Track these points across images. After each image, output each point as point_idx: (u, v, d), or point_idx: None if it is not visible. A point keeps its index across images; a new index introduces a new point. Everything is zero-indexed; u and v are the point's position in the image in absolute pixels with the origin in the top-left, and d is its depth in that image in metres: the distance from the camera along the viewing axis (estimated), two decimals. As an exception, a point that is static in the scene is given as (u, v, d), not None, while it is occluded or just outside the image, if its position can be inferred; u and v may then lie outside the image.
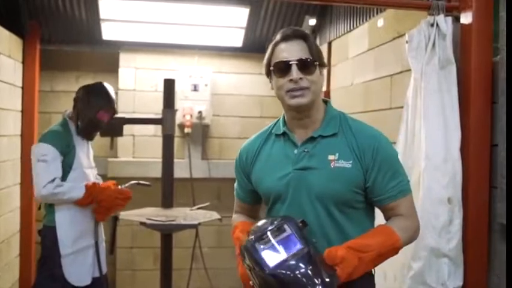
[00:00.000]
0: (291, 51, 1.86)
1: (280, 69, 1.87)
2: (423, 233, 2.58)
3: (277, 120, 2.06)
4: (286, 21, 5.11)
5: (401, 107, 2.99)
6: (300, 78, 1.83)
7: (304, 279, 1.59)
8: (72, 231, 3.31)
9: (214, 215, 4.03)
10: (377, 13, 3.81)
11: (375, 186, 1.86)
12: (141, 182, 3.89)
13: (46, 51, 5.02)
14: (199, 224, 3.78)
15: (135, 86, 5.30)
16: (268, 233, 1.69)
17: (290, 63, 1.84)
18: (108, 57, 5.30)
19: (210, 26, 5.18)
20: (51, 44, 5.11)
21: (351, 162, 1.85)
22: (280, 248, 1.65)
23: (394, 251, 1.83)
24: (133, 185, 3.74)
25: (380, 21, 3.67)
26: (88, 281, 3.37)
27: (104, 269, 3.52)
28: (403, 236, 1.84)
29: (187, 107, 5.13)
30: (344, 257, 1.68)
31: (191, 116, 5.14)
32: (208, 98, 5.24)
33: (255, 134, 2.16)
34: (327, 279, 1.61)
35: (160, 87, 4.62)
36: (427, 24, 2.75)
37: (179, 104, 5.00)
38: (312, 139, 1.90)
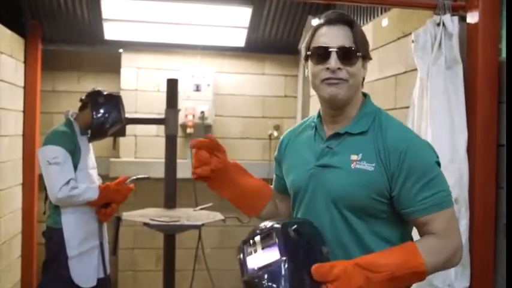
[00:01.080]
0: (332, 37, 1.67)
1: (318, 55, 1.68)
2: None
3: (319, 111, 1.87)
4: (289, 21, 5.09)
5: (406, 107, 2.97)
6: (339, 68, 1.65)
7: None
8: (79, 233, 3.31)
9: (218, 216, 4.01)
10: (381, 13, 3.80)
11: (402, 196, 1.62)
12: (139, 176, 3.89)
13: (48, 51, 5.01)
14: (202, 224, 3.75)
15: (137, 86, 5.28)
16: (257, 238, 1.59)
17: (330, 50, 1.66)
18: (110, 57, 5.28)
19: (212, 26, 5.17)
20: (53, 43, 5.10)
21: (373, 165, 1.64)
22: (261, 256, 1.56)
23: (417, 276, 1.57)
24: (133, 180, 3.73)
25: (384, 21, 3.65)
26: (94, 282, 3.37)
27: (108, 270, 3.52)
28: (430, 259, 1.57)
29: (189, 107, 5.12)
30: (340, 275, 1.48)
31: (193, 116, 5.12)
32: (210, 98, 5.22)
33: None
34: None
35: (163, 87, 4.60)
36: (433, 24, 2.74)
37: (181, 104, 4.98)
38: (337, 135, 1.73)
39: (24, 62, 4.77)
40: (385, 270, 1.52)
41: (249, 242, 1.61)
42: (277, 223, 1.60)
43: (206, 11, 4.94)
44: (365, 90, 3.97)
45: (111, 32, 5.11)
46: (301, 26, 5.12)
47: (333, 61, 1.65)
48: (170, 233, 3.95)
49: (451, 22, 2.69)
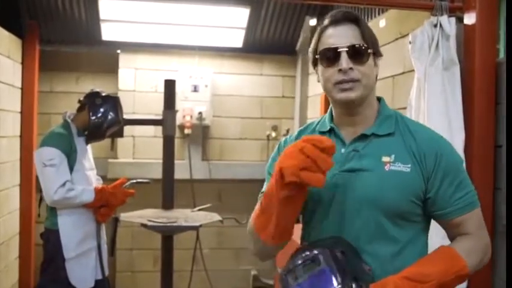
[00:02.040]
0: (340, 37, 1.59)
1: (327, 57, 1.60)
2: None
3: (323, 117, 1.77)
4: (287, 21, 5.10)
5: (404, 108, 2.97)
6: (350, 68, 1.57)
7: None
8: (76, 235, 3.31)
9: (216, 217, 4.01)
10: (379, 14, 3.80)
11: (438, 197, 1.58)
12: (139, 180, 3.88)
13: (45, 51, 5.00)
14: (200, 225, 3.75)
15: (135, 87, 5.28)
16: (300, 267, 1.49)
17: (339, 50, 1.58)
18: (108, 57, 5.28)
19: (210, 27, 5.17)
20: (51, 44, 5.10)
21: (409, 166, 1.57)
22: (311, 285, 1.45)
23: (460, 279, 1.55)
24: (133, 184, 3.73)
25: (382, 22, 3.65)
26: (91, 284, 3.36)
27: (106, 271, 3.51)
28: (471, 260, 1.56)
29: (187, 108, 5.12)
30: None
31: (191, 116, 5.12)
32: (208, 99, 5.22)
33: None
34: None
35: (160, 88, 4.60)
36: (430, 25, 2.74)
37: (179, 104, 4.97)
38: (363, 137, 1.63)
39: (22, 63, 4.76)
40: (433, 279, 1.49)
41: (293, 271, 1.50)
42: (320, 247, 1.51)
43: (204, 12, 4.94)
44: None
45: (108, 32, 5.11)
46: (299, 26, 5.13)
47: (344, 61, 1.57)
48: (168, 234, 3.95)
49: (448, 23, 2.69)
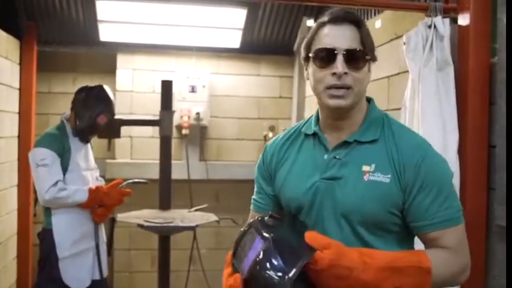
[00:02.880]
0: (338, 38, 1.53)
1: (322, 58, 1.54)
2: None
3: (310, 117, 1.73)
4: (284, 22, 5.11)
5: (399, 109, 2.98)
6: (345, 73, 1.51)
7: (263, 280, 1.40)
8: (71, 234, 3.32)
9: (212, 217, 4.02)
10: (374, 14, 3.81)
11: (414, 208, 1.53)
12: (136, 180, 3.89)
13: (43, 52, 5.01)
14: (197, 226, 3.76)
15: (132, 88, 5.29)
16: (241, 244, 1.52)
17: (336, 52, 1.52)
18: (106, 58, 5.28)
19: (207, 27, 5.18)
20: (49, 45, 5.10)
21: (389, 176, 1.52)
22: (251, 254, 1.46)
23: (422, 273, 1.45)
24: (130, 184, 3.73)
25: (377, 23, 3.66)
26: (87, 284, 3.37)
27: (105, 272, 3.52)
28: (437, 268, 1.47)
29: (184, 108, 5.12)
30: (332, 244, 1.39)
31: (189, 117, 5.13)
32: (206, 99, 5.23)
33: (285, 131, 1.81)
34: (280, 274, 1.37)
35: (158, 88, 4.61)
36: (424, 26, 2.75)
37: (177, 105, 4.99)
38: (345, 144, 1.59)
39: (20, 64, 4.77)
40: (384, 258, 1.43)
41: (236, 253, 1.53)
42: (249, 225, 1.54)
43: (201, 13, 4.95)
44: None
45: (106, 33, 5.12)
46: (296, 27, 5.13)
47: (339, 65, 1.51)
48: (165, 235, 3.96)
49: (443, 24, 2.70)
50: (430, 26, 2.73)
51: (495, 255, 2.56)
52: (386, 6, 3.19)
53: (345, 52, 1.51)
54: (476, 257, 2.58)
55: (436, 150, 1.63)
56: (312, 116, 1.72)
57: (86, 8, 4.77)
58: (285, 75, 5.52)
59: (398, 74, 3.35)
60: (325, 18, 1.57)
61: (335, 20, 1.55)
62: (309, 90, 5.16)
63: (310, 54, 1.58)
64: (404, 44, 2.82)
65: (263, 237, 1.44)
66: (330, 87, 1.54)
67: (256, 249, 1.44)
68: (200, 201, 4.73)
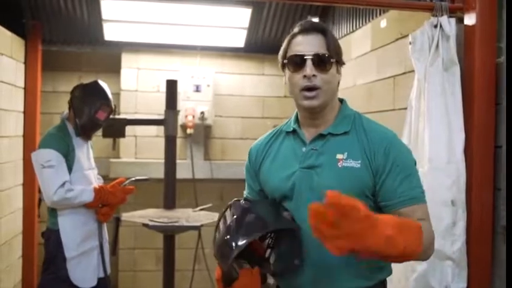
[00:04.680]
0: (307, 45, 1.75)
1: (294, 63, 1.76)
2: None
3: (290, 119, 1.95)
4: (289, 21, 5.10)
5: (405, 109, 2.98)
6: (314, 75, 1.72)
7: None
8: (77, 234, 3.31)
9: (217, 217, 4.01)
10: (380, 14, 3.80)
11: (384, 189, 1.71)
12: (139, 178, 3.88)
13: (48, 51, 5.02)
14: (202, 225, 3.76)
15: (137, 87, 5.29)
16: (220, 226, 1.78)
17: (305, 57, 1.73)
18: (110, 57, 5.29)
19: (212, 27, 5.17)
20: (53, 44, 5.12)
21: (359, 162, 1.72)
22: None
23: (419, 234, 1.54)
24: (132, 182, 3.73)
25: (383, 22, 3.65)
26: (94, 282, 3.37)
27: (108, 270, 3.52)
28: (424, 230, 1.58)
29: (189, 108, 5.13)
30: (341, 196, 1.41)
31: (193, 116, 5.13)
32: (210, 99, 5.23)
33: (264, 134, 2.02)
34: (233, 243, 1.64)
35: (163, 87, 4.61)
36: (430, 26, 2.74)
37: (181, 104, 4.99)
38: (321, 136, 1.80)
39: (25, 63, 4.77)
40: (390, 217, 1.53)
41: (215, 236, 1.78)
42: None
43: (206, 12, 4.94)
44: (364, 91, 4.00)
45: (111, 32, 5.12)
46: (301, 26, 5.12)
47: (308, 68, 1.72)
48: (169, 234, 3.96)
49: (448, 24, 2.69)
50: (436, 26, 2.72)
51: (501, 256, 2.56)
52: (391, 6, 3.18)
53: (312, 57, 1.73)
54: (482, 258, 2.60)
55: (401, 140, 1.85)
56: (292, 116, 1.94)
57: (90, 7, 4.78)
58: (289, 75, 5.49)
59: (403, 73, 3.34)
60: (296, 30, 1.81)
61: (304, 31, 1.78)
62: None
63: (285, 61, 1.81)
64: (410, 43, 2.81)
65: (233, 212, 1.73)
66: (303, 89, 1.75)
67: (224, 226, 1.72)
68: (204, 200, 4.73)
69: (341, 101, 1.90)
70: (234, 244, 1.63)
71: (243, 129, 5.48)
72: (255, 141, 2.03)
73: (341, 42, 1.93)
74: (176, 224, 3.72)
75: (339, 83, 1.84)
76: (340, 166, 1.73)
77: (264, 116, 5.48)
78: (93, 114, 3.39)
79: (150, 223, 3.67)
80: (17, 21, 4.61)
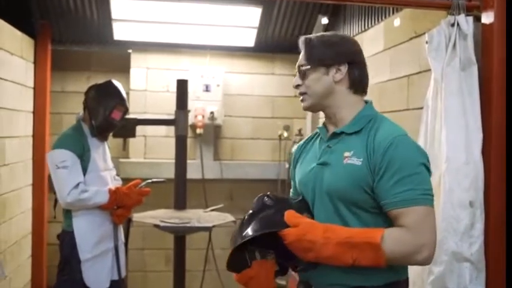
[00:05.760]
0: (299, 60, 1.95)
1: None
2: (444, 237, 2.55)
3: None
4: (299, 20, 5.07)
5: (419, 108, 2.94)
6: (298, 85, 1.93)
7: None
8: (92, 236, 3.28)
9: (229, 217, 3.99)
10: (393, 13, 3.76)
11: (379, 187, 1.74)
12: (155, 179, 3.85)
13: (57, 51, 5.01)
14: (213, 226, 3.74)
15: (146, 87, 5.27)
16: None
17: (296, 71, 1.95)
18: (120, 57, 5.28)
19: (222, 26, 5.15)
20: (63, 44, 5.11)
21: (361, 159, 1.78)
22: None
23: (371, 248, 1.66)
24: (149, 183, 3.70)
25: (396, 21, 3.62)
26: (107, 285, 3.35)
27: (123, 273, 3.49)
28: (390, 244, 1.67)
29: (199, 108, 5.10)
30: (301, 223, 1.73)
31: (203, 116, 5.10)
32: (220, 99, 5.20)
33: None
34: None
35: (172, 87, 4.58)
36: (447, 24, 2.70)
37: (191, 104, 4.95)
38: (335, 135, 1.91)
39: (34, 63, 4.77)
40: (343, 234, 1.70)
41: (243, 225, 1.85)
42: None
43: (215, 11, 4.92)
44: (376, 91, 3.96)
45: (120, 32, 5.10)
46: (311, 25, 5.09)
47: (294, 80, 1.95)
48: (181, 235, 3.93)
49: (466, 22, 2.65)
50: (453, 25, 2.68)
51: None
52: (407, 4, 3.14)
53: (297, 69, 1.95)
54: (501, 260, 2.56)
55: (413, 140, 1.83)
56: None
57: (100, 6, 4.76)
58: (299, 74, 5.46)
59: (418, 73, 3.30)
60: None
61: (300, 47, 1.98)
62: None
63: None
64: (426, 42, 2.77)
65: (253, 208, 1.86)
66: None
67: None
68: (214, 200, 4.71)
69: (366, 102, 1.97)
70: (239, 236, 1.79)
71: (253, 129, 5.45)
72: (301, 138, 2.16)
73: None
74: (188, 224, 3.70)
75: (333, 82, 1.90)
76: (344, 163, 1.81)
77: (274, 116, 5.45)
78: (108, 115, 3.36)
79: (161, 224, 3.64)
80: (26, 21, 4.60)
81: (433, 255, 1.72)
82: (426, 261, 1.73)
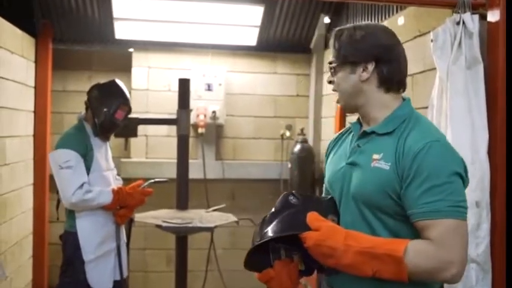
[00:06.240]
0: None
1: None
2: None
3: None
4: (301, 19, 5.05)
5: (424, 108, 2.91)
6: (330, 82, 1.85)
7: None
8: (95, 237, 3.26)
9: (231, 218, 3.97)
10: (396, 11, 3.74)
11: (407, 195, 1.62)
12: (158, 179, 3.82)
13: (58, 50, 4.98)
14: (215, 226, 3.71)
15: (148, 86, 5.25)
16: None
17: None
18: (121, 56, 5.25)
19: (224, 25, 5.13)
20: (64, 43, 5.09)
21: (389, 164, 1.66)
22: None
23: (393, 261, 1.55)
24: (152, 183, 3.67)
25: (400, 19, 3.59)
26: (110, 285, 3.32)
27: (125, 273, 3.47)
28: (414, 258, 1.55)
29: (201, 107, 5.08)
30: (323, 227, 1.64)
31: (205, 115, 5.08)
32: (222, 98, 5.18)
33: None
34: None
35: (174, 86, 4.56)
36: (452, 23, 2.67)
37: (193, 103, 4.92)
38: (365, 134, 1.79)
39: (35, 62, 4.75)
40: (366, 243, 1.60)
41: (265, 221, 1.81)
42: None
43: (217, 10, 4.90)
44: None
45: (121, 31, 5.08)
46: (314, 24, 5.07)
47: (327, 77, 1.88)
48: (183, 235, 3.91)
49: (471, 20, 2.62)
50: (458, 23, 2.65)
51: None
52: (412, 3, 3.12)
53: (329, 67, 1.86)
54: (507, 261, 2.53)
55: (448, 146, 1.69)
56: None
57: (101, 5, 4.74)
58: (302, 73, 5.46)
59: (423, 71, 3.27)
60: None
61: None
62: (326, 89, 5.09)
63: None
64: (431, 41, 2.73)
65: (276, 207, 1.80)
66: None
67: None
68: (216, 200, 4.69)
69: (404, 99, 1.83)
70: (259, 235, 1.76)
71: (255, 128, 5.43)
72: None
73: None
74: (190, 225, 3.67)
75: (360, 82, 1.76)
76: (372, 166, 1.71)
77: (277, 115, 5.42)
78: (112, 114, 3.33)
79: (164, 224, 3.62)
80: (27, 20, 4.59)
81: (462, 273, 1.58)
82: (454, 280, 1.58)
